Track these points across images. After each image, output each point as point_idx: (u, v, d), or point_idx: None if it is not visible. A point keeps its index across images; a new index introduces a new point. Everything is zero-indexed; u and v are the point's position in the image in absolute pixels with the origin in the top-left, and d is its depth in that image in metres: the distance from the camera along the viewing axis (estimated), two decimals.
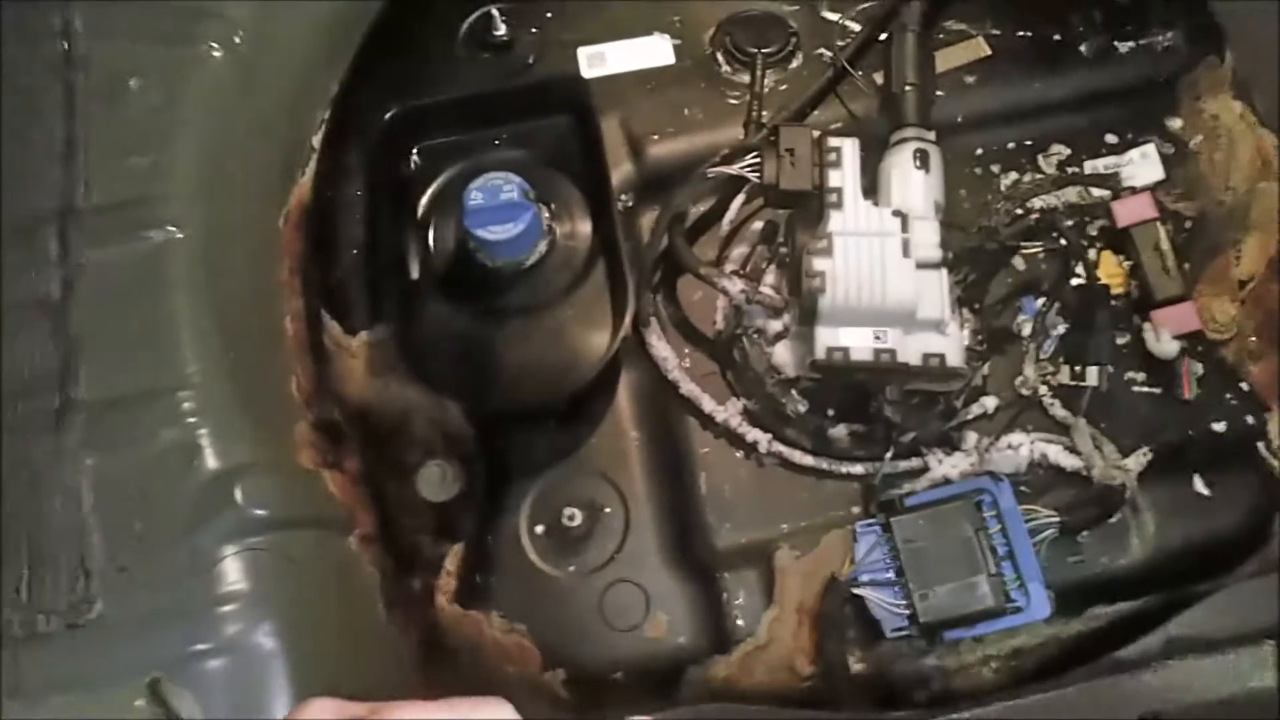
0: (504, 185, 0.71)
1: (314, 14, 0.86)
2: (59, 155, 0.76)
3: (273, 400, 0.77)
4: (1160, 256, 0.79)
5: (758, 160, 0.73)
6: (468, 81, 0.85)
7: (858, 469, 0.76)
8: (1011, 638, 0.73)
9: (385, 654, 0.75)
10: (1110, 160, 0.85)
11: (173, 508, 0.67)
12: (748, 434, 0.76)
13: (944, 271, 0.70)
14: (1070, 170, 0.84)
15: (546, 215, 0.77)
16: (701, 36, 0.88)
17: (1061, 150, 0.85)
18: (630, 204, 0.83)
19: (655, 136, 0.84)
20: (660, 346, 0.78)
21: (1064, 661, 0.73)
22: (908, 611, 0.69)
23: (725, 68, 0.87)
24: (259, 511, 0.69)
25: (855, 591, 0.70)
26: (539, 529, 0.74)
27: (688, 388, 0.77)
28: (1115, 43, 0.87)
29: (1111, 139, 0.86)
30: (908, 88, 0.78)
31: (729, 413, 0.77)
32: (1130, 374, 0.79)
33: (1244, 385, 0.80)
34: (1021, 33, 0.87)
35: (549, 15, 0.88)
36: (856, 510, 0.75)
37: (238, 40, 0.81)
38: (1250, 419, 0.78)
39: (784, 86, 0.86)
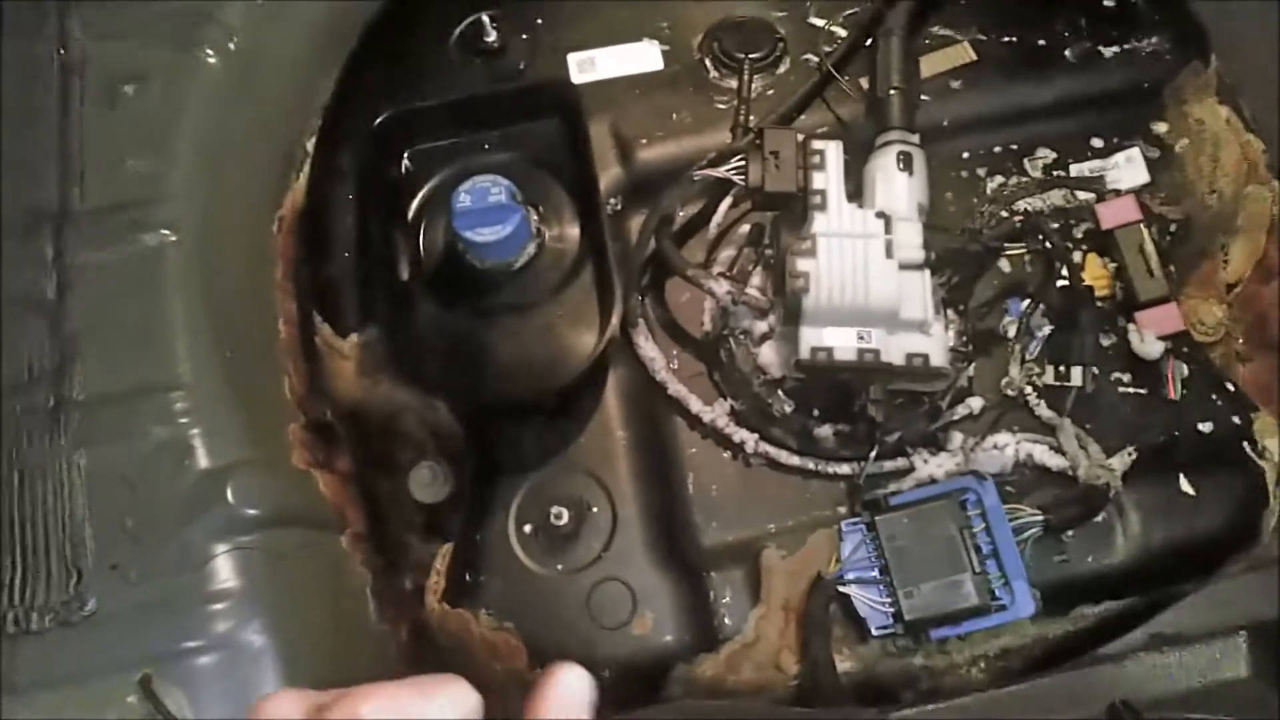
0: (492, 188, 0.72)
1: (308, 19, 0.87)
2: (55, 157, 0.77)
3: (265, 400, 0.77)
4: (1144, 258, 0.80)
5: (743, 163, 0.74)
6: (459, 86, 0.86)
7: (844, 469, 0.76)
8: (998, 637, 0.73)
9: (375, 652, 0.76)
10: (1096, 164, 0.86)
11: (164, 505, 0.68)
12: (734, 434, 0.77)
13: (927, 272, 0.71)
14: (1056, 174, 0.85)
15: (535, 218, 0.78)
16: (690, 42, 0.89)
17: (1047, 154, 0.86)
18: (619, 207, 0.83)
19: (644, 140, 0.85)
20: (648, 347, 0.78)
21: (1051, 661, 0.73)
22: (893, 610, 0.70)
23: (713, 73, 0.88)
24: (250, 510, 0.70)
25: (841, 590, 0.71)
26: (527, 528, 0.75)
27: (675, 388, 0.78)
28: (1100, 48, 0.88)
29: (1097, 143, 0.87)
30: (892, 92, 0.78)
31: (716, 413, 0.77)
32: (1116, 375, 0.80)
33: (1230, 385, 0.80)
34: (1007, 38, 0.88)
35: (540, 21, 0.89)
36: (843, 510, 0.76)
37: (233, 45, 0.82)
38: (1236, 419, 0.79)
39: (771, 91, 0.87)
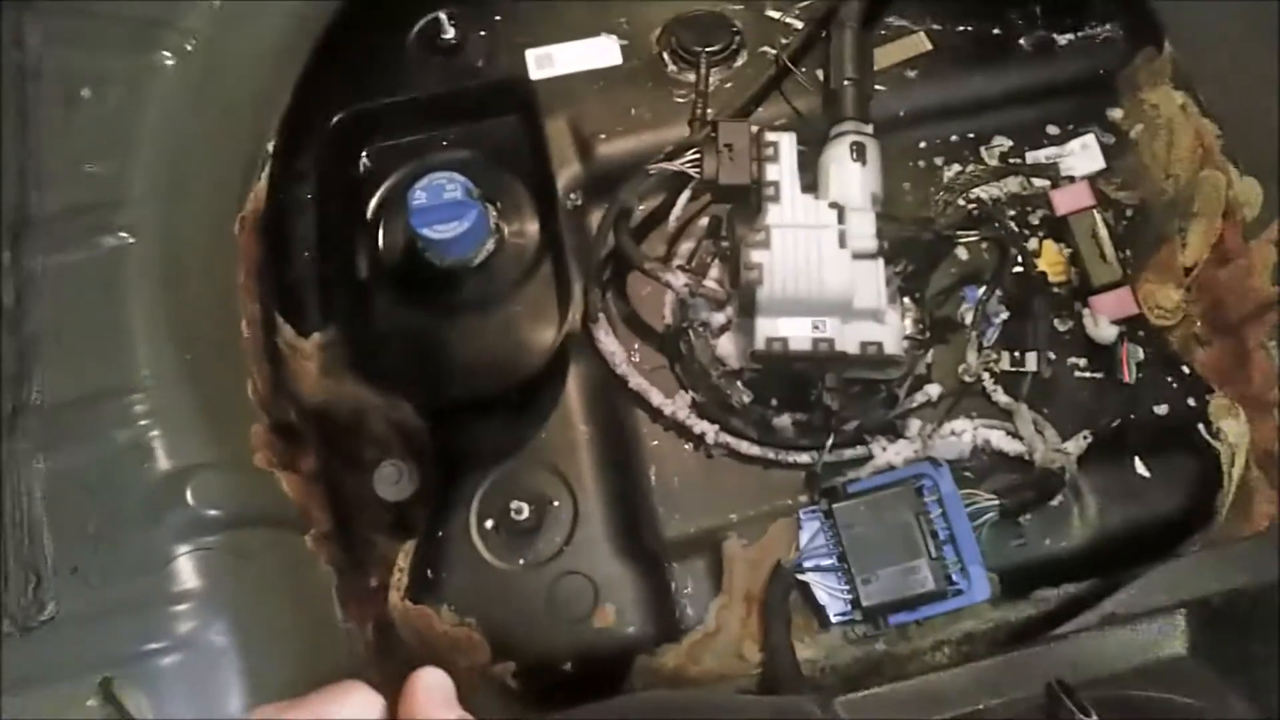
0: (448, 185, 0.73)
1: (267, 21, 0.87)
2: (13, 163, 0.77)
3: (228, 402, 0.77)
4: (1098, 244, 0.80)
5: (698, 156, 0.74)
6: (418, 84, 0.86)
7: (804, 458, 0.77)
8: (960, 621, 0.74)
9: (341, 651, 0.76)
10: (1051, 151, 0.86)
11: (124, 508, 0.68)
12: (695, 426, 0.77)
13: (880, 262, 0.71)
14: (1012, 161, 0.86)
15: (494, 214, 0.78)
16: (648, 37, 0.89)
17: (1003, 142, 0.87)
18: (579, 202, 0.84)
19: (603, 135, 0.85)
20: (608, 341, 0.79)
21: (1015, 644, 0.74)
22: (851, 597, 0.70)
23: (672, 67, 0.88)
24: (211, 511, 0.70)
25: (799, 578, 0.71)
26: (488, 523, 0.75)
27: (636, 381, 0.78)
28: (1055, 36, 0.89)
29: (1053, 130, 0.87)
30: (846, 83, 0.79)
31: (677, 405, 0.78)
32: (1072, 359, 0.81)
33: (1185, 368, 0.81)
34: (962, 27, 0.89)
35: (498, 18, 0.89)
36: (804, 499, 0.77)
37: (190, 48, 0.82)
38: (1191, 401, 0.80)
39: (729, 84, 0.87)
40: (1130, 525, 0.76)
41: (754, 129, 0.74)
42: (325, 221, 0.82)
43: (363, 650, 0.76)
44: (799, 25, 0.88)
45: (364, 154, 0.81)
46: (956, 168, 0.86)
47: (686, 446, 0.79)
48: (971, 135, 0.87)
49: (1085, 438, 0.77)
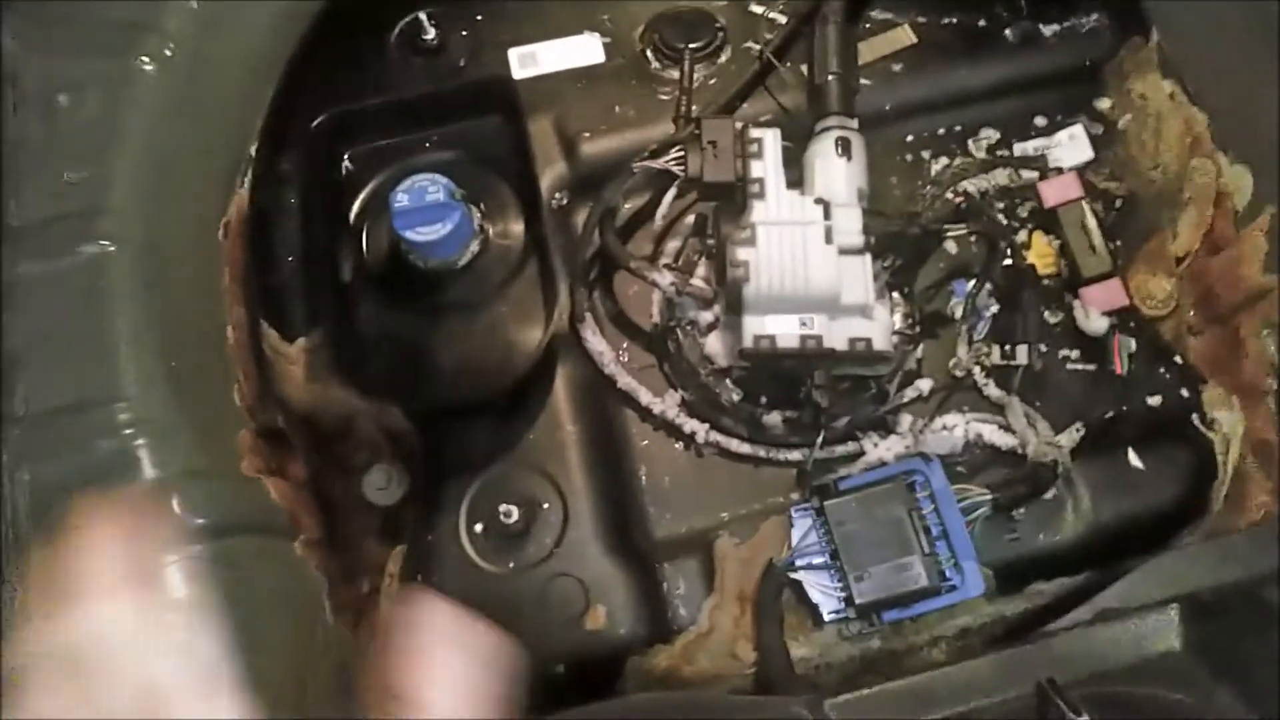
0: (430, 187, 0.72)
1: (247, 24, 0.86)
2: None
3: (213, 409, 0.77)
4: (1087, 235, 0.80)
5: (683, 154, 0.74)
6: (400, 86, 0.85)
7: (795, 455, 0.76)
8: (955, 617, 0.73)
9: (334, 657, 0.75)
10: (1039, 142, 0.86)
11: None
12: (685, 425, 0.77)
13: (867, 257, 0.71)
14: (1000, 154, 0.85)
15: (478, 215, 0.77)
16: (632, 34, 0.88)
17: (991, 134, 0.86)
18: (565, 201, 0.83)
19: (587, 134, 0.84)
20: (596, 341, 0.78)
21: (1011, 639, 0.73)
22: (844, 594, 0.70)
23: (655, 64, 0.87)
24: (198, 520, 0.69)
25: (792, 576, 0.71)
26: (478, 527, 0.75)
27: (625, 381, 0.78)
28: (1040, 26, 0.88)
29: (1041, 121, 0.87)
30: (830, 78, 0.78)
31: (666, 404, 0.77)
32: (1064, 352, 0.80)
33: (1178, 359, 0.81)
34: (947, 20, 0.88)
35: (480, 17, 0.88)
36: (795, 496, 0.76)
37: (170, 53, 0.81)
38: (1184, 392, 0.79)
39: (713, 81, 0.87)
40: (1124, 517, 0.76)
41: (738, 125, 0.73)
42: (308, 225, 0.81)
43: (355, 656, 0.76)
44: (782, 20, 0.88)
45: (346, 157, 0.80)
46: (944, 161, 0.85)
47: (676, 446, 0.78)
48: (958, 128, 0.87)
49: (1078, 430, 0.76)
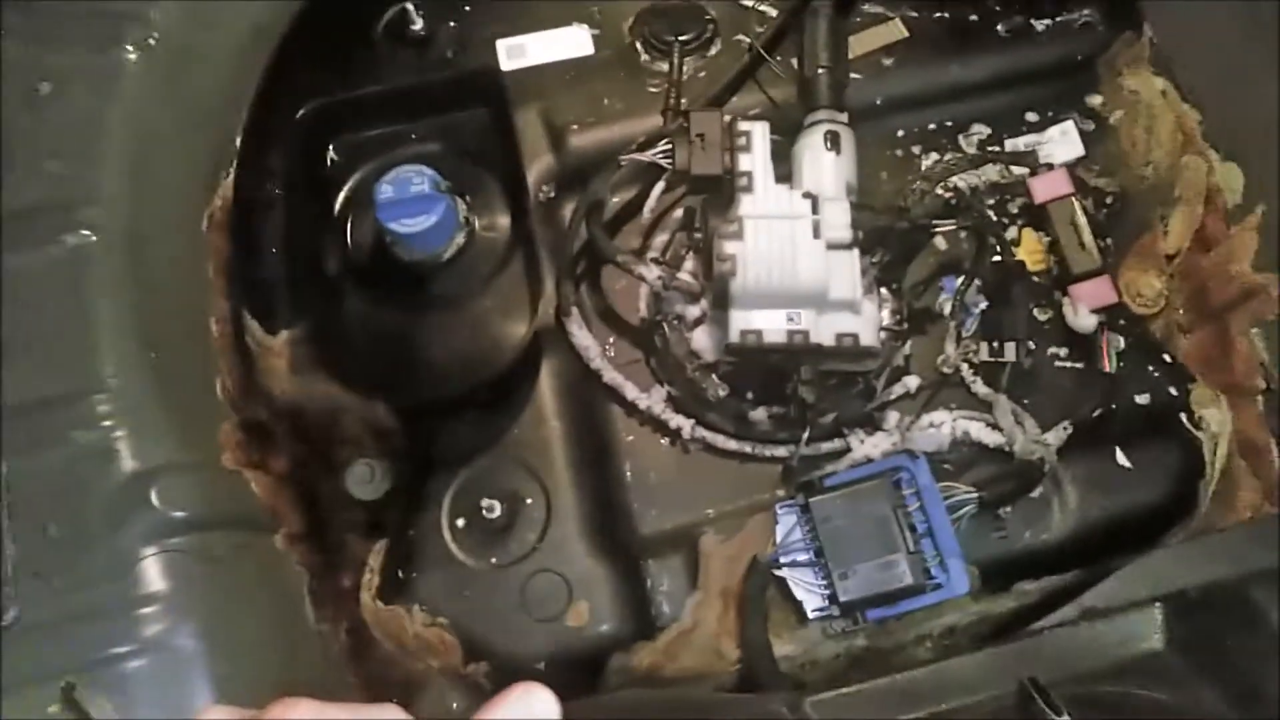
0: (415, 178, 0.72)
1: (233, 14, 0.85)
2: None
3: (195, 401, 0.76)
4: (1076, 231, 0.79)
5: (670, 147, 0.73)
6: (386, 77, 0.85)
7: (781, 451, 0.76)
8: (942, 615, 0.73)
9: (314, 652, 0.75)
10: (1031, 138, 0.86)
11: (89, 511, 0.67)
12: (671, 420, 0.76)
13: (855, 252, 0.70)
14: (991, 149, 0.85)
15: (464, 207, 0.77)
16: (621, 26, 0.88)
17: (982, 130, 0.86)
18: (552, 194, 0.83)
19: (576, 127, 0.84)
20: (582, 336, 0.78)
21: (997, 638, 0.73)
22: (828, 592, 0.69)
23: (645, 57, 0.87)
24: (177, 512, 0.69)
25: (776, 573, 0.70)
26: (460, 522, 0.74)
27: (610, 376, 0.77)
28: (1032, 21, 0.88)
29: (1032, 117, 0.86)
30: (820, 71, 0.78)
31: (652, 399, 0.77)
32: (1053, 349, 0.80)
33: (1167, 358, 0.80)
34: (938, 14, 0.88)
35: (467, 8, 0.88)
36: (781, 493, 0.76)
37: (154, 42, 0.81)
38: (1173, 390, 0.79)
39: (703, 74, 0.86)
40: (1112, 516, 0.76)
41: (726, 119, 0.73)
42: (293, 217, 0.80)
43: (336, 652, 0.75)
44: (773, 13, 0.87)
45: (331, 148, 0.80)
46: (934, 156, 0.85)
47: (663, 441, 0.78)
48: (949, 123, 0.86)
49: (1065, 428, 0.76)
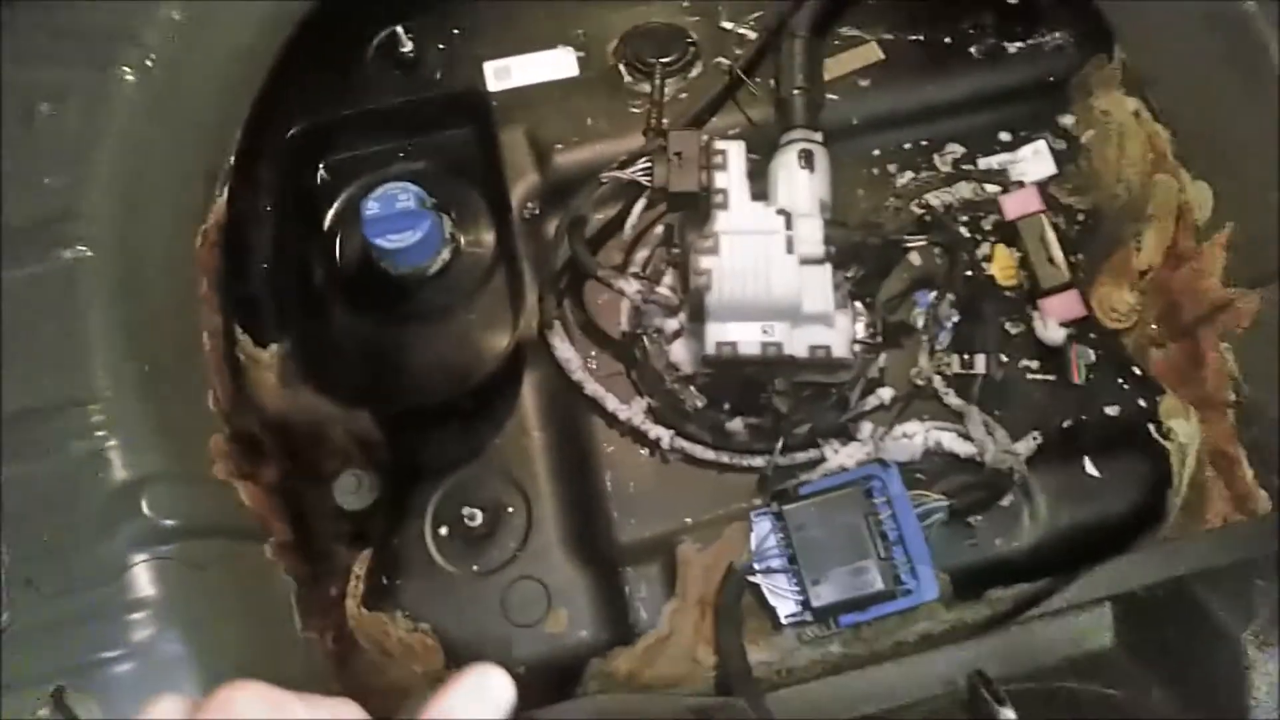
0: (400, 195, 0.74)
1: (227, 36, 0.87)
2: None
3: (186, 413, 0.78)
4: (1045, 247, 0.81)
5: (650, 165, 0.75)
6: (377, 97, 0.87)
7: (758, 461, 0.77)
8: (916, 623, 0.74)
9: (299, 660, 0.76)
10: (1004, 157, 0.88)
11: (80, 518, 0.68)
12: (650, 431, 0.78)
13: (828, 266, 0.72)
14: (965, 168, 0.87)
15: (449, 223, 0.79)
16: (605, 49, 0.90)
17: (956, 149, 0.88)
18: (537, 211, 0.85)
19: (560, 146, 0.86)
20: (564, 348, 0.79)
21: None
22: (801, 598, 0.71)
23: (628, 78, 0.89)
24: (167, 521, 0.70)
25: (751, 580, 0.72)
26: (443, 530, 0.76)
27: (592, 387, 0.79)
28: (1005, 44, 0.90)
29: (1005, 137, 0.89)
30: (795, 92, 0.80)
31: (633, 411, 0.79)
32: (1025, 362, 0.82)
33: (1136, 370, 0.82)
34: (914, 37, 0.90)
35: (456, 31, 0.90)
36: (758, 502, 0.77)
37: (150, 64, 0.83)
38: (1142, 402, 0.81)
39: (684, 95, 0.88)
40: (1081, 525, 0.77)
41: (703, 138, 0.75)
42: (283, 233, 0.82)
43: (321, 659, 0.77)
44: (752, 36, 0.89)
45: (321, 166, 0.82)
46: (910, 174, 0.87)
47: (642, 452, 0.80)
48: (925, 142, 0.88)
49: (1035, 439, 0.78)
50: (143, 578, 0.68)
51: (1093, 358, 0.81)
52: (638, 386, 0.80)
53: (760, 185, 0.77)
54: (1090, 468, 0.78)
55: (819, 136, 0.79)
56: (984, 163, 0.87)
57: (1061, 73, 0.90)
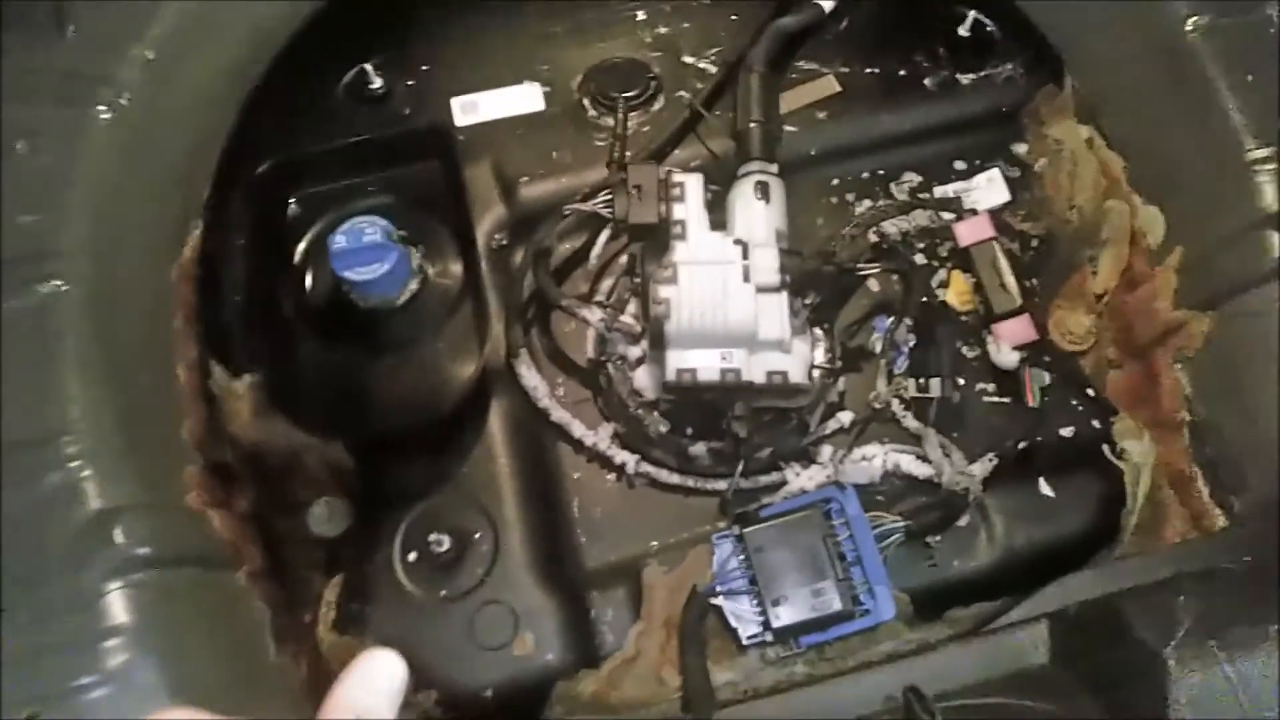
0: (368, 228, 0.75)
1: (200, 75, 0.89)
2: None
3: (159, 443, 0.79)
4: (998, 273, 0.83)
5: (611, 197, 0.77)
6: (346, 133, 0.89)
7: (722, 485, 0.79)
8: (879, 643, 0.75)
9: (274, 686, 0.77)
10: (959, 185, 0.90)
11: (54, 548, 0.69)
12: (616, 456, 0.80)
13: (784, 295, 0.74)
14: (921, 196, 0.89)
15: (417, 256, 0.80)
16: (570, 83, 0.93)
17: (913, 178, 0.90)
18: (504, 242, 0.86)
19: (526, 179, 0.88)
20: (530, 376, 0.81)
21: None
22: (762, 619, 0.72)
23: (592, 112, 0.91)
24: (140, 550, 0.71)
25: (713, 602, 0.73)
26: (411, 556, 0.77)
27: (558, 414, 0.81)
28: (958, 75, 0.92)
29: (960, 165, 0.91)
30: (752, 125, 0.82)
31: (599, 437, 0.80)
32: (981, 385, 0.84)
33: (1090, 392, 0.84)
34: (870, 69, 0.93)
35: (424, 67, 0.92)
36: (722, 525, 0.79)
37: (125, 102, 0.85)
38: (1096, 424, 0.83)
39: (646, 128, 0.91)
40: (1037, 544, 0.79)
41: (663, 172, 0.77)
42: (254, 266, 0.84)
43: (295, 685, 0.78)
44: (713, 70, 0.92)
45: (292, 201, 0.84)
46: (867, 203, 0.89)
47: (608, 477, 0.81)
48: (882, 172, 0.91)
49: (991, 460, 0.79)
50: (116, 606, 0.69)
51: (1047, 380, 0.83)
52: (603, 412, 0.82)
53: (720, 216, 0.79)
54: (1045, 488, 0.80)
55: (774, 168, 0.81)
56: (940, 191, 0.90)
57: (1013, 103, 0.92)
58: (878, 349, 0.82)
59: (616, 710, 0.73)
